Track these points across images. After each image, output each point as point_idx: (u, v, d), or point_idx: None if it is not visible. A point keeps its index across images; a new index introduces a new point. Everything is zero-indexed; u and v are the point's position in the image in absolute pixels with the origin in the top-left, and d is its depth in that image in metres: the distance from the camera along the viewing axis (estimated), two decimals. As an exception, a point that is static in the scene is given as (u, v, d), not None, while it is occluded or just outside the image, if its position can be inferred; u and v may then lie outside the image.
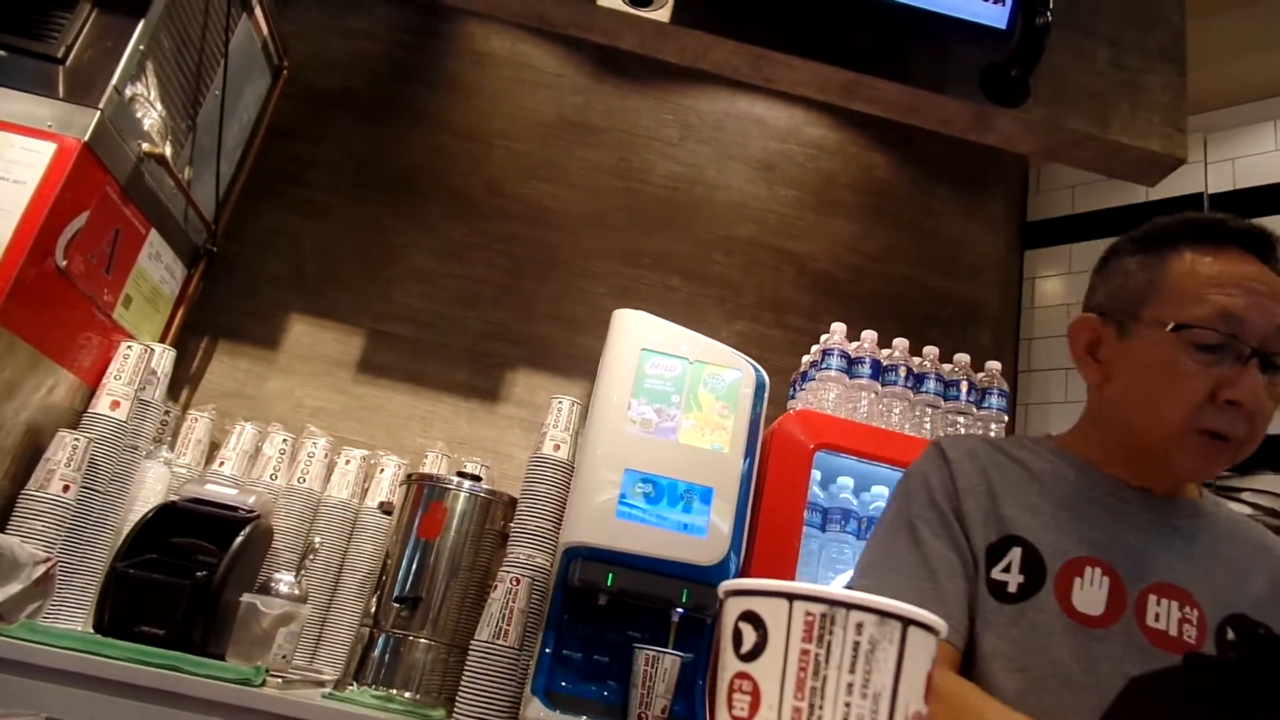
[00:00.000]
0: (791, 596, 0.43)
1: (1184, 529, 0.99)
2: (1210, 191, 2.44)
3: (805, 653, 0.42)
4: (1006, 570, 0.94)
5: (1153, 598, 0.93)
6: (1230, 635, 0.93)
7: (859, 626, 0.42)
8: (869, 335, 2.02)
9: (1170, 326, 0.94)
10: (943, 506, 0.99)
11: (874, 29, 1.98)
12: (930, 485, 1.01)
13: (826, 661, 0.42)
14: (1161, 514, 0.99)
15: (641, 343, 1.71)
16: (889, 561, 0.98)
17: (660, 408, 1.66)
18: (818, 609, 0.43)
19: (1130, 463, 1.01)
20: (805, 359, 2.16)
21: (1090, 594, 0.92)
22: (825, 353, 2.00)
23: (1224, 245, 0.96)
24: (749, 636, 0.44)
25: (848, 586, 1.01)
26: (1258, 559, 1.00)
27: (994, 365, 2.07)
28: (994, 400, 2.01)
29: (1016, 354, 2.65)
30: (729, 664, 0.45)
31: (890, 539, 1.00)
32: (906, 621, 0.43)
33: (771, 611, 0.44)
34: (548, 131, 2.58)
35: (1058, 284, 2.68)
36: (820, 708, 0.41)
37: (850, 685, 0.42)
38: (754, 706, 0.43)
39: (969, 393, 2.00)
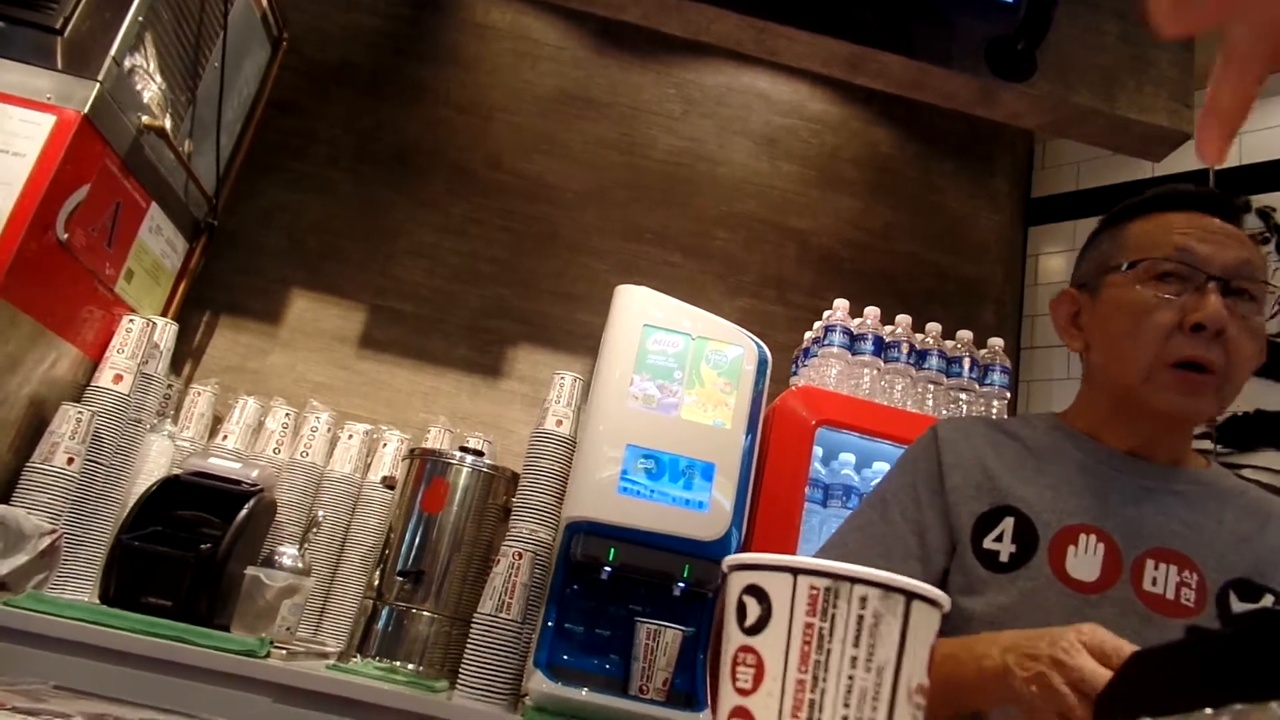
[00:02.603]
0: (796, 570, 0.44)
1: (1185, 494, 0.98)
2: (1217, 167, 2.42)
3: (809, 626, 0.42)
4: (999, 540, 0.95)
5: (1150, 562, 0.93)
6: (1233, 599, 0.93)
7: (863, 600, 0.42)
8: (872, 311, 2.02)
9: (1125, 265, 0.99)
10: (920, 489, 1.01)
11: (878, 1, 1.96)
12: (915, 468, 1.04)
13: (830, 635, 0.42)
14: (1160, 480, 0.99)
15: (644, 318, 1.70)
16: (853, 534, 1.02)
17: (662, 384, 1.66)
18: (822, 583, 0.43)
19: (1122, 424, 1.01)
20: (807, 335, 2.15)
21: (1085, 560, 0.92)
22: (828, 329, 1.99)
23: (1186, 209, 1.00)
24: (753, 610, 0.44)
25: (816, 553, 1.03)
26: (1267, 524, 0.99)
27: (996, 342, 2.07)
28: (996, 377, 2.01)
29: (1019, 331, 2.64)
30: (733, 637, 0.45)
31: (863, 511, 1.04)
32: (910, 595, 0.43)
33: (776, 585, 0.44)
34: (549, 105, 2.56)
35: (1061, 261, 2.67)
36: (824, 680, 0.42)
37: (854, 659, 0.42)
38: (757, 679, 0.43)
39: (971, 369, 2.00)
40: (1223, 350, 0.92)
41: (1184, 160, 2.34)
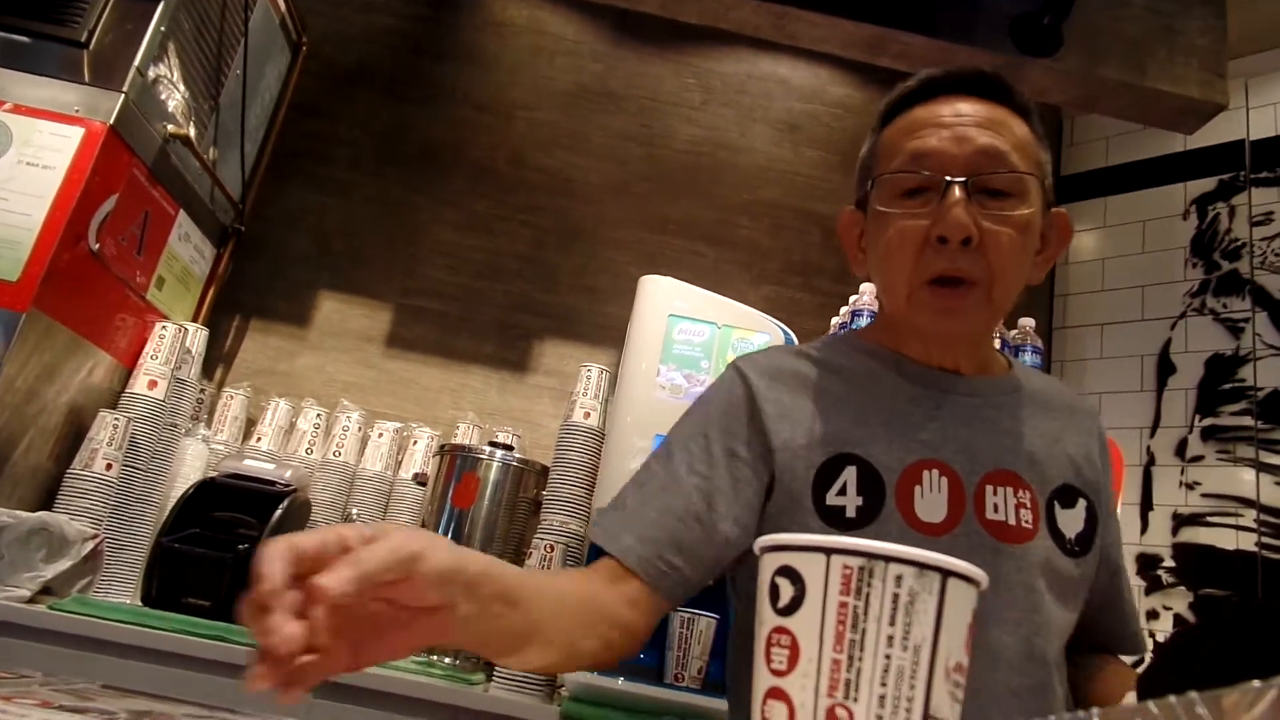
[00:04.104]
0: (829, 550, 0.43)
1: (1005, 405, 0.92)
2: (1252, 138, 2.37)
3: (843, 605, 0.42)
4: (842, 493, 0.85)
5: (989, 489, 0.86)
6: (1058, 510, 0.88)
7: (898, 579, 0.42)
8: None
9: (872, 182, 0.90)
10: (715, 443, 0.88)
11: (899, -20, 1.94)
12: (710, 417, 0.90)
13: (865, 614, 0.42)
14: (983, 396, 0.91)
15: (669, 308, 1.70)
16: (633, 489, 0.89)
17: (689, 373, 1.66)
18: (855, 562, 0.42)
19: (917, 344, 0.92)
20: (834, 320, 2.13)
21: (931, 500, 0.84)
22: (854, 314, 1.97)
23: (935, 96, 0.89)
24: (786, 591, 0.44)
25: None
26: (1070, 421, 0.95)
27: (1027, 322, 2.03)
28: (1028, 358, 1.98)
29: (1051, 310, 2.60)
30: (766, 619, 0.45)
31: (647, 464, 0.91)
32: (946, 573, 0.42)
33: (809, 565, 0.44)
34: (568, 100, 2.56)
35: (1093, 238, 2.62)
36: (860, 660, 0.41)
37: (890, 637, 0.41)
38: (793, 660, 0.43)
39: (1002, 350, 1.97)
40: (980, 257, 0.83)
41: (1218, 131, 2.29)
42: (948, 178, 0.83)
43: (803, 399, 0.89)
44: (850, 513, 0.84)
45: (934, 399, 0.90)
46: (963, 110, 0.86)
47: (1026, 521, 0.85)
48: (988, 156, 0.83)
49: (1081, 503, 0.90)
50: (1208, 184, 2.41)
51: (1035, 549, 0.85)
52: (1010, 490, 0.86)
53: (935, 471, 0.85)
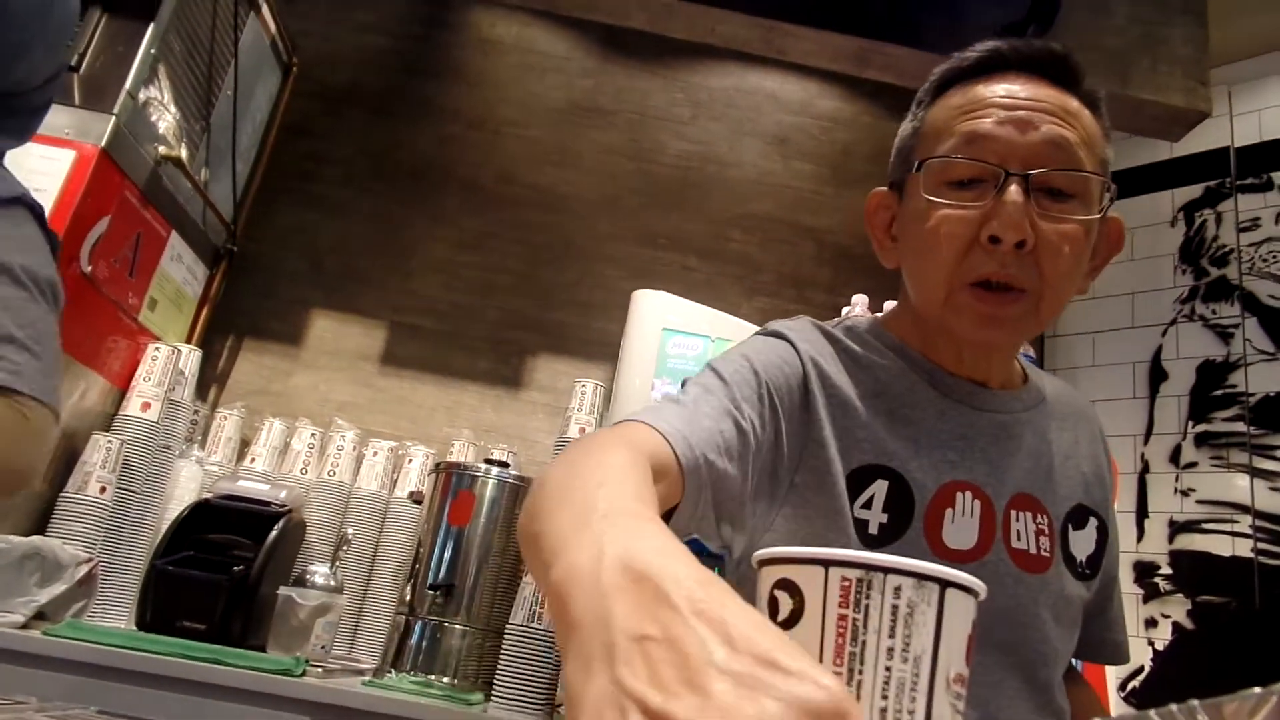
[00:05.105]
0: (827, 563, 0.43)
1: (1030, 422, 0.86)
2: (1236, 145, 2.39)
3: (843, 618, 0.42)
4: (867, 506, 0.79)
5: (1014, 514, 0.81)
6: (1071, 533, 0.84)
7: (897, 590, 0.42)
8: (892, 306, 2.00)
9: (916, 165, 0.80)
10: (766, 401, 0.78)
11: (885, -6, 1.96)
12: (758, 373, 0.79)
13: (865, 626, 0.42)
14: (1010, 412, 0.86)
15: (662, 323, 1.71)
16: (690, 402, 0.75)
17: (684, 387, 1.66)
18: (854, 574, 0.42)
19: (950, 350, 0.85)
20: (827, 333, 2.14)
21: (962, 525, 0.79)
22: (847, 325, 1.98)
23: (995, 73, 0.80)
24: (785, 604, 0.44)
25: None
26: (1080, 430, 0.91)
27: (1019, 331, 2.04)
28: (1021, 366, 1.99)
29: (1042, 319, 2.61)
30: (766, 633, 0.45)
31: (690, 389, 0.78)
32: (945, 584, 0.42)
33: (807, 578, 0.44)
34: (557, 116, 2.57)
35: (1081, 246, 2.64)
36: (860, 673, 0.41)
37: (890, 649, 0.41)
38: (793, 674, 0.43)
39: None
40: (1033, 263, 0.75)
41: (1202, 139, 2.31)
42: (1007, 170, 0.74)
43: (846, 394, 0.82)
44: (873, 529, 0.78)
45: (965, 415, 0.84)
46: (1029, 93, 0.77)
47: (1045, 549, 0.82)
48: (1054, 148, 0.75)
49: (1092, 521, 0.87)
50: (1194, 191, 2.43)
51: (1051, 577, 0.82)
52: (1030, 516, 0.82)
53: (969, 494, 0.80)
